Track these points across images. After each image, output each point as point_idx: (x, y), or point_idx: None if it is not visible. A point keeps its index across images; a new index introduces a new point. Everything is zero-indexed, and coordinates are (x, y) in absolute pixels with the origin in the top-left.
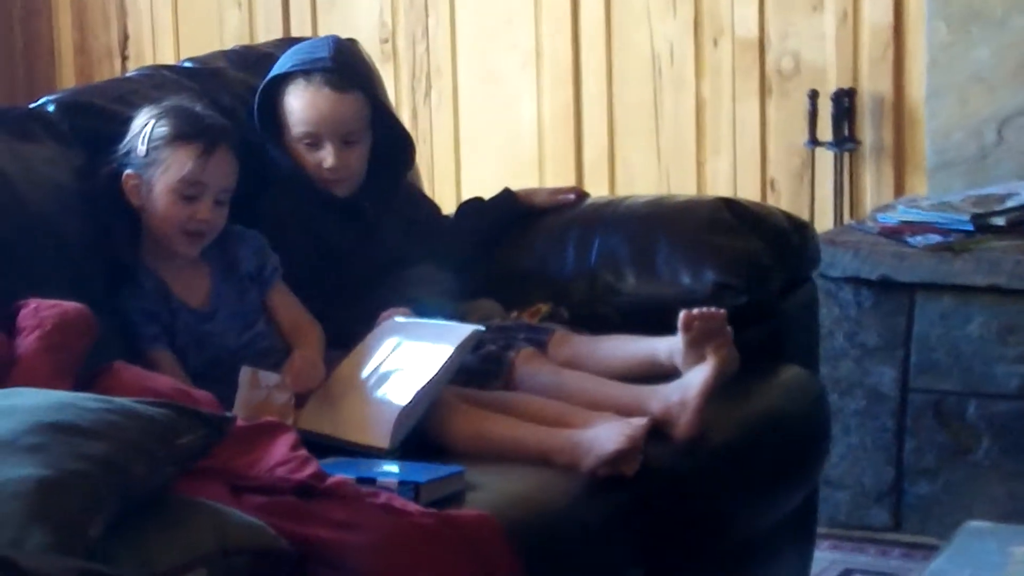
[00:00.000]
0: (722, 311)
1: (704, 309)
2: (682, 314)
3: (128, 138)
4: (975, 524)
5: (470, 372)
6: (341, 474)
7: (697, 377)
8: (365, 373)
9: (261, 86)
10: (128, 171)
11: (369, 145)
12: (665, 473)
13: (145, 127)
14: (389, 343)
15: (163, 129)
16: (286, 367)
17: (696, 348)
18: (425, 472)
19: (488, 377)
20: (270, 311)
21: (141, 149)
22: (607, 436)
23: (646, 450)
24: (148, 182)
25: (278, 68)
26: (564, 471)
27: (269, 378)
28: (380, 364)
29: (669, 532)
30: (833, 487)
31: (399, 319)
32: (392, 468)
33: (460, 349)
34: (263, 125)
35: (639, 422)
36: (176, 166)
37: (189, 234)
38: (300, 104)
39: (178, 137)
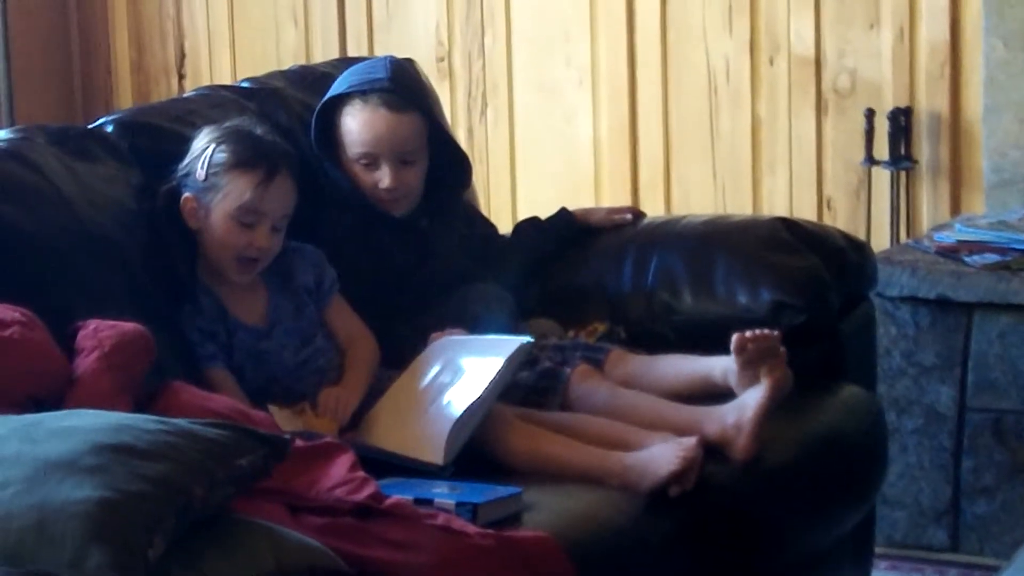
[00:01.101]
0: (775, 332)
1: (757, 331)
2: (735, 336)
3: (188, 160)
4: None
5: (527, 388)
6: (398, 495)
7: (752, 399)
8: (419, 390)
9: (319, 106)
10: (187, 194)
11: (426, 165)
12: (722, 493)
13: (206, 151)
14: (441, 360)
15: (223, 155)
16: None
17: (750, 369)
18: (483, 493)
19: (545, 393)
20: (328, 325)
21: (200, 173)
22: (662, 457)
23: (703, 469)
24: (206, 206)
25: (336, 88)
26: (620, 490)
27: (298, 407)
28: (432, 380)
29: (727, 552)
30: (890, 506)
31: (451, 337)
32: (449, 489)
33: (510, 361)
34: (320, 145)
35: (691, 442)
36: (235, 193)
37: (243, 261)
38: (357, 124)
39: (238, 164)
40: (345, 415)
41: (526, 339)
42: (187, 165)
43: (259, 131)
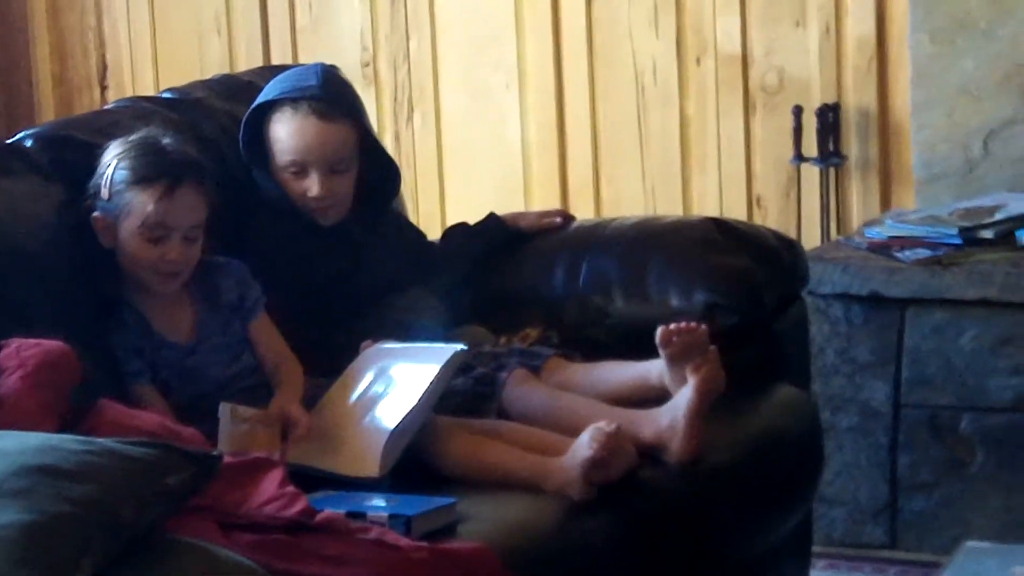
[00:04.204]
0: (703, 326)
1: (682, 324)
2: (660, 329)
3: (95, 178)
4: (974, 544)
5: (463, 395)
6: (331, 509)
7: (683, 399)
8: (351, 402)
9: (248, 113)
10: (96, 213)
11: (356, 173)
12: (661, 496)
13: (108, 168)
14: (373, 369)
15: (123, 171)
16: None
17: (678, 366)
18: (416, 504)
19: (481, 399)
20: (251, 342)
21: (105, 192)
22: (580, 447)
23: (639, 471)
24: (114, 224)
25: (266, 95)
26: (557, 497)
27: (248, 412)
28: (365, 391)
29: (666, 556)
30: (828, 505)
31: (383, 345)
32: (382, 501)
33: (445, 369)
34: (249, 152)
35: (608, 425)
36: (138, 209)
37: (162, 274)
38: (287, 132)
39: (138, 180)
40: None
41: (460, 346)
42: (94, 183)
43: (165, 143)
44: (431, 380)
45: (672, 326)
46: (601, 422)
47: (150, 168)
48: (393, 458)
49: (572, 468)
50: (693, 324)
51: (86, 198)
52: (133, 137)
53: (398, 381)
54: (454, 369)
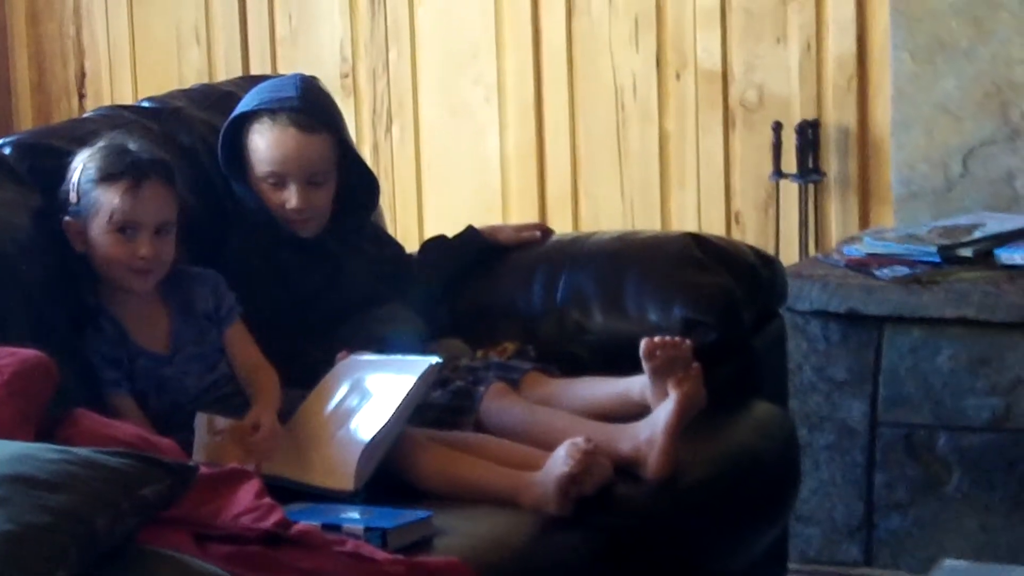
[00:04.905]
0: (687, 341)
1: (667, 338)
2: (643, 341)
3: (64, 184)
4: (950, 563)
5: (440, 408)
6: (306, 521)
7: (663, 413)
8: (326, 413)
9: (226, 124)
10: (67, 219)
11: (334, 185)
12: (637, 512)
13: (75, 173)
14: (348, 381)
15: (90, 172)
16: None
17: (660, 379)
18: (392, 518)
19: (458, 413)
20: (227, 352)
21: (73, 196)
22: (555, 463)
23: (615, 487)
24: (84, 226)
25: (244, 105)
26: (533, 512)
27: (224, 423)
28: (340, 403)
29: (642, 572)
30: (804, 523)
31: (359, 357)
32: (358, 514)
33: (421, 382)
34: (227, 163)
35: (585, 443)
36: (106, 206)
37: (136, 271)
38: (265, 144)
39: (103, 178)
40: (271, 452)
41: (435, 359)
42: (63, 190)
43: (131, 145)
44: (406, 393)
45: (656, 339)
46: (577, 438)
47: (115, 165)
48: (368, 472)
49: (547, 483)
50: (678, 339)
51: (57, 206)
52: (99, 143)
53: (373, 393)
54: (429, 382)
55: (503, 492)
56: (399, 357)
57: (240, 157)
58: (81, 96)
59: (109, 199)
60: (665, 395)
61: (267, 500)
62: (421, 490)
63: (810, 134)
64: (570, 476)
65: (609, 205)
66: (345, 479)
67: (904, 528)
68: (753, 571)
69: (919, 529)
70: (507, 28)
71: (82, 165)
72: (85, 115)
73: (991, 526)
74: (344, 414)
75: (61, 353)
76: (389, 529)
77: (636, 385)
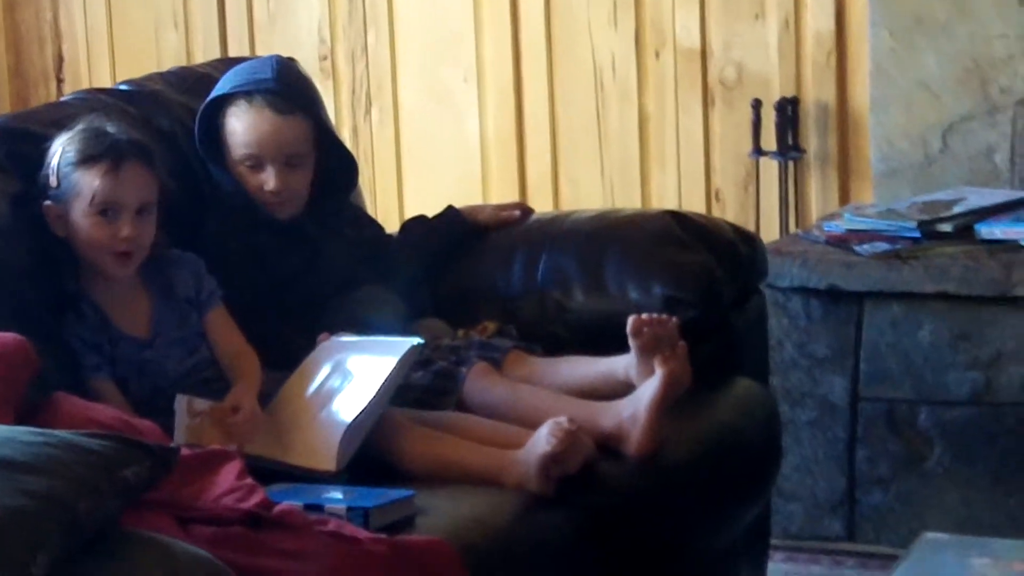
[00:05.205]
0: (674, 319)
1: (654, 315)
2: (631, 319)
3: (43, 169)
4: (932, 536)
5: (422, 389)
6: (288, 501)
7: (647, 391)
8: (308, 394)
9: (203, 106)
10: (47, 203)
11: (312, 167)
12: (619, 491)
13: (54, 157)
14: (330, 363)
15: (69, 155)
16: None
17: (647, 357)
18: (374, 497)
19: (441, 394)
20: (208, 336)
21: (53, 180)
22: (537, 442)
23: (598, 466)
24: (65, 210)
25: (220, 88)
26: (515, 491)
27: (205, 405)
28: (322, 384)
29: (624, 550)
30: (786, 499)
31: (340, 339)
32: (340, 494)
33: (402, 363)
34: (204, 146)
35: (567, 422)
36: (86, 189)
37: (118, 255)
38: (242, 126)
39: (82, 160)
40: (250, 435)
41: (417, 340)
42: (43, 174)
43: (110, 127)
44: (387, 374)
45: (644, 316)
46: (560, 417)
47: (94, 148)
48: (350, 452)
49: (529, 463)
50: (664, 316)
51: (37, 190)
52: (77, 126)
53: (355, 374)
54: (411, 363)
55: (486, 472)
56: (380, 338)
57: (217, 140)
58: (59, 80)
59: (89, 181)
60: (651, 373)
61: (249, 481)
62: (404, 471)
63: (789, 111)
64: (552, 455)
65: (589, 185)
66: (327, 460)
67: (886, 503)
68: (735, 548)
69: (901, 504)
70: (486, 9)
71: (61, 149)
72: (63, 99)
73: (972, 500)
74: (325, 395)
75: (41, 338)
76: (371, 508)
77: (621, 364)
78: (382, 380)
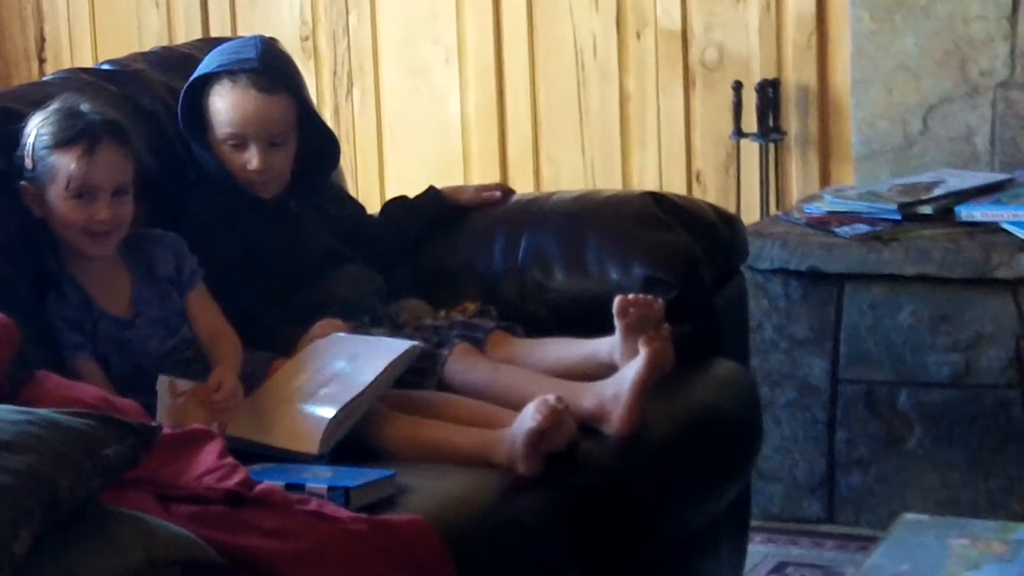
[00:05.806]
0: (660, 300)
1: (641, 295)
2: (617, 299)
3: (19, 149)
4: (912, 516)
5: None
6: (270, 481)
7: (631, 370)
8: (298, 383)
9: (186, 86)
10: (23, 183)
11: (295, 146)
12: (600, 471)
13: (29, 138)
14: (327, 358)
15: (44, 137)
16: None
17: (631, 337)
18: (355, 476)
19: (422, 375)
20: (189, 316)
21: (28, 162)
22: (525, 419)
23: (579, 446)
24: (41, 192)
25: (203, 68)
26: (498, 471)
27: (186, 385)
28: (314, 375)
29: (605, 530)
30: (765, 480)
31: (340, 334)
32: (321, 473)
33: (396, 362)
34: (187, 125)
35: (555, 400)
36: (62, 172)
37: (95, 235)
38: (225, 105)
39: (58, 143)
40: (230, 413)
41: (415, 343)
42: (18, 155)
43: (83, 106)
44: (381, 370)
45: (630, 296)
46: (548, 395)
47: (69, 130)
48: (334, 440)
49: (516, 440)
50: (650, 297)
51: (12, 170)
52: (51, 105)
53: (349, 370)
54: (406, 363)
55: (472, 451)
56: (380, 338)
57: (200, 119)
58: (41, 60)
59: (65, 165)
60: (635, 354)
61: (230, 460)
62: (386, 455)
63: (770, 93)
64: (539, 432)
65: (570, 165)
66: (311, 443)
67: (865, 484)
68: (715, 528)
69: (880, 485)
70: None
71: (36, 131)
72: (44, 79)
73: (952, 481)
74: (316, 385)
75: (23, 317)
76: (352, 488)
77: (604, 346)
78: (375, 375)
